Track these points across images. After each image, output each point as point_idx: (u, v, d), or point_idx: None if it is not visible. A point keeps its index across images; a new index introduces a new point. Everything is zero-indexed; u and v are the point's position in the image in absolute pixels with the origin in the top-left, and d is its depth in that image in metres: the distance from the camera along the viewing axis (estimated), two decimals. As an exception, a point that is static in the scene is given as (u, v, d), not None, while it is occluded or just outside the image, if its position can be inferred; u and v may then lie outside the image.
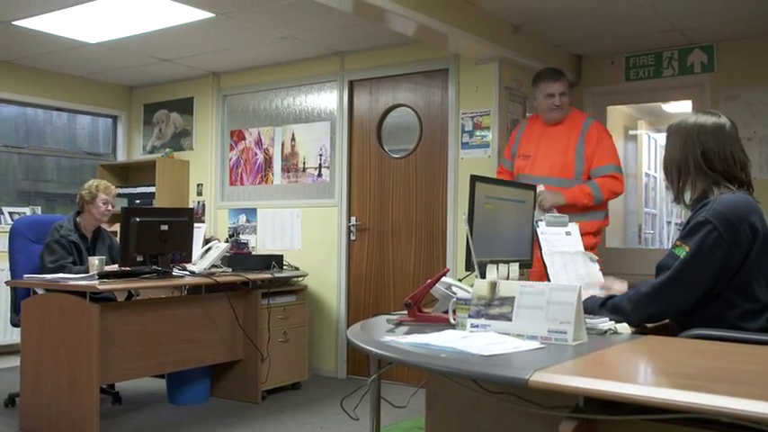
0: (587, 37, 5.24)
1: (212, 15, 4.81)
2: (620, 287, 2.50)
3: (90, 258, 4.22)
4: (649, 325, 2.22)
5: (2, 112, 6.46)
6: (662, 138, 7.00)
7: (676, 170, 2.31)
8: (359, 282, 5.70)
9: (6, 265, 4.65)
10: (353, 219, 5.74)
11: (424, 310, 2.36)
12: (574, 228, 2.86)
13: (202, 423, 4.35)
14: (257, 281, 4.85)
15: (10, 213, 6.30)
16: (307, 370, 5.30)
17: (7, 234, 4.73)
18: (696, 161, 2.25)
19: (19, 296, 4.40)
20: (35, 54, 5.99)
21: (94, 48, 5.69)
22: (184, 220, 4.44)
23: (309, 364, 5.40)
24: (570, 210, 3.85)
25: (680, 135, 2.31)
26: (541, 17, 4.79)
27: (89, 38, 5.44)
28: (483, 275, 2.31)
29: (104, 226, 4.76)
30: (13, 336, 4.54)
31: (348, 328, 5.38)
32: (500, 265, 2.46)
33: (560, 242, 2.77)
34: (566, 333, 1.82)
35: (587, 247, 3.64)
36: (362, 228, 5.69)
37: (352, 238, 5.74)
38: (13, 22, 5.07)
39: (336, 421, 4.33)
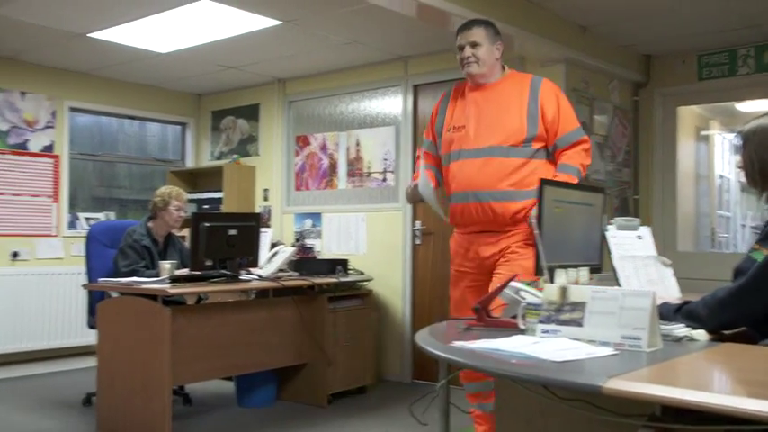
0: (657, 36, 5.13)
1: (279, 23, 4.88)
2: None
3: (161, 263, 4.32)
4: (727, 332, 2.15)
5: (78, 122, 6.69)
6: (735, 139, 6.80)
7: None
8: (424, 286, 5.69)
9: (83, 268, 4.81)
10: (418, 223, 5.73)
11: (492, 314, 2.34)
12: (645, 231, 2.79)
13: (271, 426, 4.41)
14: (323, 285, 4.89)
15: (86, 219, 6.52)
16: (373, 374, 5.31)
17: (84, 239, 4.91)
18: None
19: (94, 299, 4.55)
20: (108, 65, 6.18)
21: (165, 57, 5.84)
22: (251, 224, 4.50)
23: (374, 369, 5.41)
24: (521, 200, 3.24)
25: None
26: (610, 17, 4.71)
27: (160, 48, 5.59)
28: (552, 280, 2.28)
29: (174, 231, 4.87)
30: (90, 337, 4.68)
31: (413, 332, 5.38)
32: (569, 269, 2.42)
33: (631, 246, 2.71)
34: (640, 339, 1.77)
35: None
36: (428, 232, 5.68)
37: (417, 242, 5.73)
38: (88, 35, 5.24)
39: (403, 426, 4.33)
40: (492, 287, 3.13)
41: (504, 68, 3.49)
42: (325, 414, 4.66)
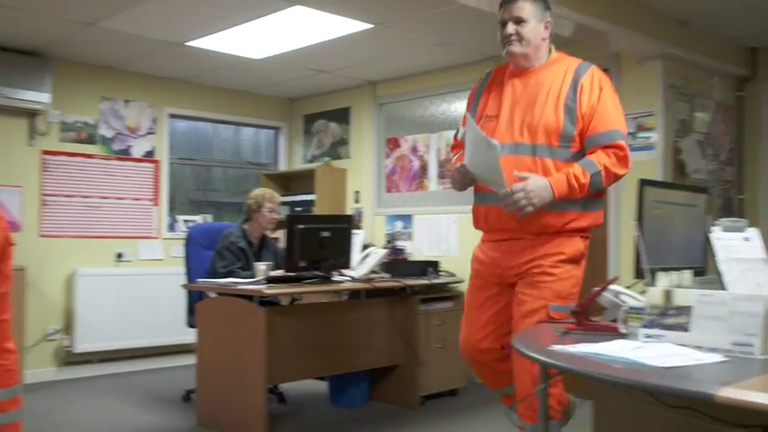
0: (764, 26, 4.89)
1: (370, 26, 4.91)
2: None
3: (256, 264, 4.42)
4: None
5: (177, 127, 6.92)
6: None
7: None
8: (516, 288, 5.60)
9: (182, 269, 4.97)
10: (510, 224, 5.64)
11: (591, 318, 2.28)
12: (753, 233, 2.66)
13: (363, 426, 4.44)
14: (414, 286, 4.89)
15: (184, 221, 6.74)
16: (464, 376, 5.27)
17: (183, 241, 5.07)
18: None
19: (193, 299, 4.69)
20: (205, 72, 6.37)
21: (259, 63, 5.98)
22: (344, 226, 4.55)
23: (466, 371, 5.36)
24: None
25: None
26: (712, 9, 4.52)
27: (254, 54, 5.72)
28: (654, 283, 2.20)
29: (267, 233, 4.96)
30: (189, 336, 4.84)
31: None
32: (671, 272, 2.33)
33: (737, 248, 2.59)
34: (752, 346, 1.70)
35: (574, 257, 2.84)
36: (519, 233, 5.59)
37: (509, 243, 5.64)
38: (186, 44, 5.42)
39: (496, 428, 4.28)
40: (514, 311, 2.87)
41: (551, 51, 2.99)
42: (417, 415, 4.66)
